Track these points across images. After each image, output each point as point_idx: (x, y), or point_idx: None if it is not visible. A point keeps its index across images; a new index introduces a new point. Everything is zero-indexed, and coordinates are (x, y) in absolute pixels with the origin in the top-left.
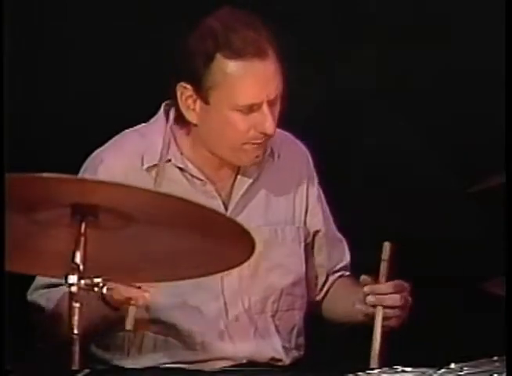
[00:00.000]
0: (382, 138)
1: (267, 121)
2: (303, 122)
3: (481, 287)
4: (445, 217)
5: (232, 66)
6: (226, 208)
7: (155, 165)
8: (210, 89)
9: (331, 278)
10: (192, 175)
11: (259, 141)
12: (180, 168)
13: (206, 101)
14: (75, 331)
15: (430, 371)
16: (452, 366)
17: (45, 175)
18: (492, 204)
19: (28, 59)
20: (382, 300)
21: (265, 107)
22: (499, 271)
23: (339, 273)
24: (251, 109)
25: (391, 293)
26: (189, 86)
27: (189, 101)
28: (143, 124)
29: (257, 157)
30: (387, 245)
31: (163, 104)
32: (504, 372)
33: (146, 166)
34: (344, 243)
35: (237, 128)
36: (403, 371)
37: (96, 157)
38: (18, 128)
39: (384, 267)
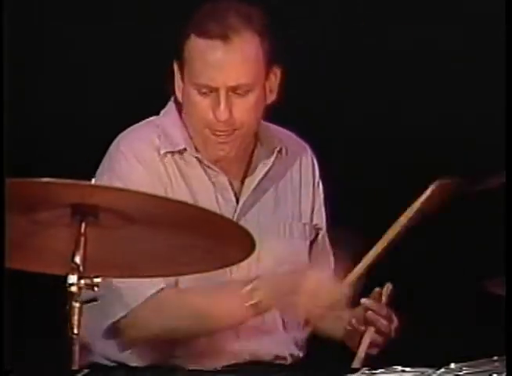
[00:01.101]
0: (381, 138)
1: (220, 106)
2: (300, 119)
3: (481, 287)
4: (445, 217)
5: (198, 43)
6: (237, 201)
7: (171, 153)
8: (184, 66)
9: None
10: (206, 165)
11: (220, 131)
12: (196, 158)
13: (182, 78)
14: (75, 331)
15: (430, 371)
16: (452, 366)
17: (44, 179)
18: (492, 204)
19: (28, 59)
20: (377, 320)
21: (221, 92)
22: (499, 271)
23: None
24: (210, 92)
25: (384, 316)
26: (176, 65)
27: (179, 78)
28: (153, 117)
29: (222, 150)
30: (388, 286)
31: (172, 97)
32: (504, 372)
33: (163, 151)
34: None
35: (196, 108)
36: (403, 371)
37: (114, 148)
38: (18, 128)
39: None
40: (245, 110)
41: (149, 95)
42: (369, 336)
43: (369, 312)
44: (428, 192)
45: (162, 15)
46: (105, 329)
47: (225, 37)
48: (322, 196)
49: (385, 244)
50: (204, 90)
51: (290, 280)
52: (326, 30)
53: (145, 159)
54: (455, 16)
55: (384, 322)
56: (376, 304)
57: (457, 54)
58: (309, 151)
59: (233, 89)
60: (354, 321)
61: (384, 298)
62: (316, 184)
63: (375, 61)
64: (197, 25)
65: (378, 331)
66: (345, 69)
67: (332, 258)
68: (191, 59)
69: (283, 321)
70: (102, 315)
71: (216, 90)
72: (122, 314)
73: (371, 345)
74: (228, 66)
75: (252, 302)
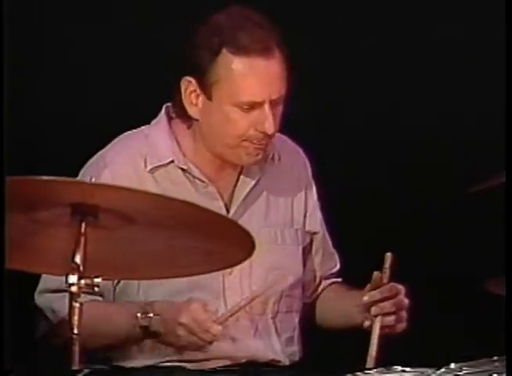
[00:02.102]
0: (381, 138)
1: (267, 120)
2: (300, 125)
3: (481, 287)
4: (445, 217)
5: (236, 62)
6: (228, 210)
7: (158, 166)
8: (214, 84)
9: (323, 283)
10: (195, 177)
11: (259, 140)
12: (183, 169)
13: (209, 96)
14: (75, 331)
15: (430, 371)
16: (452, 366)
17: (44, 177)
18: (492, 204)
19: (28, 59)
20: (383, 308)
21: (266, 107)
22: (499, 271)
23: (331, 280)
24: (253, 107)
25: (386, 298)
26: (193, 80)
27: (192, 96)
28: (145, 126)
29: (257, 155)
30: (388, 256)
31: (164, 106)
32: (504, 372)
33: (149, 168)
34: (335, 251)
35: (237, 125)
36: (403, 371)
37: (99, 160)
38: (18, 128)
39: (385, 276)
40: (278, 119)
41: (149, 95)
42: (376, 331)
43: (373, 307)
44: None
45: (162, 15)
46: None
47: (265, 53)
48: (315, 199)
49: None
50: (247, 106)
51: (174, 310)
52: (325, 30)
53: (129, 179)
54: (455, 16)
55: (391, 303)
56: (377, 292)
57: (457, 54)
58: (302, 155)
59: (274, 101)
60: (361, 314)
61: (387, 271)
62: (309, 188)
63: (375, 61)
64: (227, 40)
65: (388, 314)
66: (345, 69)
67: (337, 259)
68: (228, 78)
69: (276, 326)
70: None
71: (259, 105)
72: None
73: (386, 327)
74: (272, 81)
75: (141, 324)
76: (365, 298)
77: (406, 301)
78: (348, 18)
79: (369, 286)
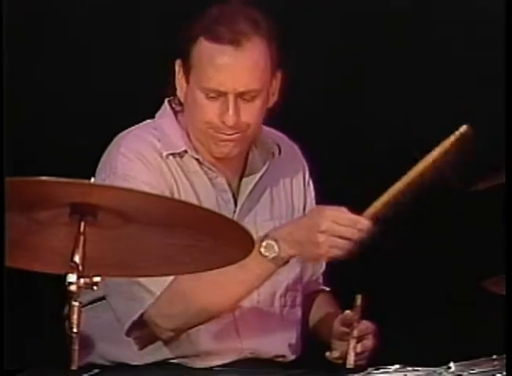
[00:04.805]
0: (382, 138)
1: (228, 111)
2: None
3: (482, 286)
4: (445, 216)
5: (207, 47)
6: (236, 203)
7: (173, 154)
8: (191, 69)
9: (312, 287)
10: (207, 167)
11: (225, 132)
12: (197, 159)
13: (187, 80)
14: (74, 330)
15: (430, 371)
16: (452, 366)
17: (43, 178)
18: (492, 204)
19: (29, 59)
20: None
21: (230, 98)
22: (499, 271)
23: (320, 287)
24: (218, 96)
25: (362, 337)
26: (180, 63)
27: (183, 79)
28: (149, 120)
29: (225, 146)
30: (358, 297)
31: (166, 100)
32: (504, 371)
33: (164, 154)
34: None
35: (203, 111)
36: (402, 371)
37: (114, 148)
38: (18, 128)
39: (357, 314)
40: (251, 114)
41: (149, 94)
42: (352, 348)
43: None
44: (457, 133)
45: (163, 15)
46: (130, 325)
47: (235, 43)
48: (313, 195)
49: (407, 181)
50: (212, 94)
51: (303, 224)
52: (326, 31)
53: (148, 160)
54: (455, 18)
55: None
56: (356, 329)
57: (460, 57)
58: (299, 152)
59: (241, 95)
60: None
61: (358, 310)
62: (307, 183)
63: (374, 61)
64: (207, 29)
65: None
66: (344, 69)
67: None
68: (199, 63)
69: (282, 320)
70: (122, 312)
71: (224, 95)
72: (150, 301)
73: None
74: (237, 72)
75: (271, 257)
76: (344, 329)
77: (372, 343)
78: (350, 20)
79: (341, 317)
